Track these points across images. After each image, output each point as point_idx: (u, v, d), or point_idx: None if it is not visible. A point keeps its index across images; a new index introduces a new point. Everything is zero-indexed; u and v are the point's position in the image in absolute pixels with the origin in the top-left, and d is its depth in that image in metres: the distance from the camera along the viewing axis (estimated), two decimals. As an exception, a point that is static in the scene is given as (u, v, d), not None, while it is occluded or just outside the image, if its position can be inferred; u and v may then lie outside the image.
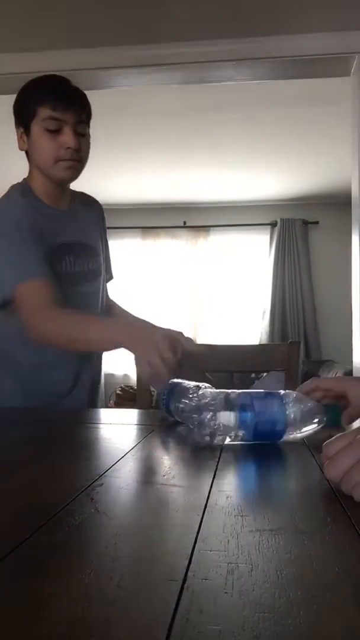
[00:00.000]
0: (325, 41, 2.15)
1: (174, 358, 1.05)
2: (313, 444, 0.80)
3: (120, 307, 1.65)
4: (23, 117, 1.32)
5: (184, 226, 5.68)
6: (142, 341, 1.09)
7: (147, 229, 5.72)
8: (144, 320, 1.32)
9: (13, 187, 1.42)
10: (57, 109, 1.27)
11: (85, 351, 1.36)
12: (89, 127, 1.36)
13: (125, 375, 5.59)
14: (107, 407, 5.06)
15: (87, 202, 1.56)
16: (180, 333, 1.50)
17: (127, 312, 1.64)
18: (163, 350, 1.04)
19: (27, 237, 1.29)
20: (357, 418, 0.84)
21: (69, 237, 1.43)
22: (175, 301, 5.62)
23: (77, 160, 1.33)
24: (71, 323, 1.24)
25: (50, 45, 2.26)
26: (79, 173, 1.37)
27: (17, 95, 1.36)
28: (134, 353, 1.12)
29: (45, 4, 2.24)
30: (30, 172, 1.41)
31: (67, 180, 1.37)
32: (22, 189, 1.39)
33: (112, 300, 1.65)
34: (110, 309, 1.62)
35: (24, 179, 1.43)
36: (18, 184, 1.42)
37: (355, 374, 2.41)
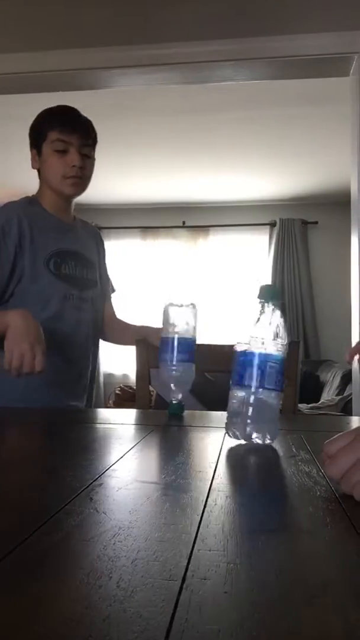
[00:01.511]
0: (324, 41, 2.15)
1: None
2: (313, 444, 0.80)
3: (125, 322, 1.71)
4: (36, 140, 1.50)
5: (184, 226, 5.68)
6: (17, 335, 1.21)
7: (147, 229, 5.72)
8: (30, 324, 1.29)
9: (23, 197, 1.54)
10: (64, 132, 1.45)
11: None
12: (94, 151, 1.52)
13: (125, 375, 5.59)
14: (106, 407, 5.06)
15: (87, 225, 1.71)
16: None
17: (131, 325, 1.69)
18: (24, 350, 1.18)
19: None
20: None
21: (71, 246, 1.55)
22: (175, 301, 5.61)
23: (81, 177, 1.48)
24: None
25: (51, 45, 2.26)
26: (83, 189, 1.53)
27: (32, 122, 1.52)
28: (5, 341, 1.21)
29: (45, 3, 2.24)
30: (40, 189, 1.55)
31: (73, 194, 1.52)
32: (30, 199, 1.54)
33: (118, 318, 1.73)
34: (116, 323, 1.71)
35: (34, 195, 1.56)
36: (27, 196, 1.55)
37: (355, 374, 2.41)
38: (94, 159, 1.53)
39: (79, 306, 1.52)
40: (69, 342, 1.49)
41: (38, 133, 1.49)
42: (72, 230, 1.59)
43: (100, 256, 1.71)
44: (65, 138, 1.45)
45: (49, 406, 1.39)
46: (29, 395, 1.40)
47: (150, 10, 2.19)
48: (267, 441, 0.79)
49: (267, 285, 0.83)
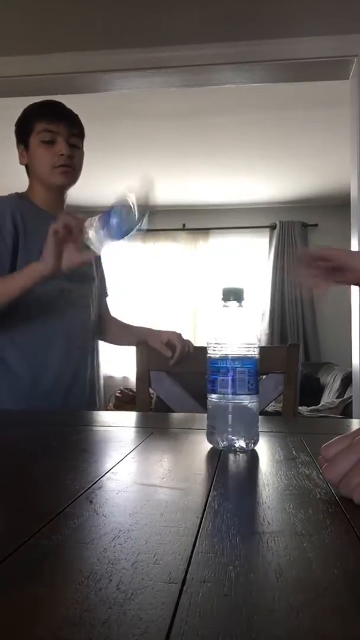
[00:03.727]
0: (324, 44, 2.16)
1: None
2: (313, 446, 0.80)
3: (122, 322, 1.69)
4: (23, 135, 1.49)
5: (184, 229, 5.68)
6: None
7: (147, 232, 5.72)
8: None
9: (11, 193, 1.51)
10: (51, 122, 1.44)
11: (10, 295, 1.29)
12: (82, 142, 1.51)
13: (125, 378, 5.59)
14: (106, 409, 5.06)
15: None
16: (179, 335, 1.52)
17: (129, 325, 1.68)
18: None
19: None
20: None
21: None
22: (175, 303, 5.62)
23: (71, 166, 1.47)
24: None
25: (51, 48, 2.27)
26: (74, 179, 1.51)
27: (17, 119, 1.52)
28: (48, 253, 1.22)
29: (45, 6, 2.25)
30: (29, 185, 1.53)
31: (64, 184, 1.49)
32: (19, 195, 1.51)
33: (114, 317, 1.72)
34: (112, 322, 1.69)
35: (23, 192, 1.53)
36: (16, 192, 1.52)
37: (355, 376, 2.41)
38: (82, 151, 1.51)
39: (76, 302, 1.48)
40: (66, 341, 1.45)
41: (24, 127, 1.49)
42: None
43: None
44: (52, 128, 1.44)
45: (45, 408, 1.38)
46: (24, 400, 1.39)
47: (150, 13, 2.19)
48: (251, 446, 0.77)
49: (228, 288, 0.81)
